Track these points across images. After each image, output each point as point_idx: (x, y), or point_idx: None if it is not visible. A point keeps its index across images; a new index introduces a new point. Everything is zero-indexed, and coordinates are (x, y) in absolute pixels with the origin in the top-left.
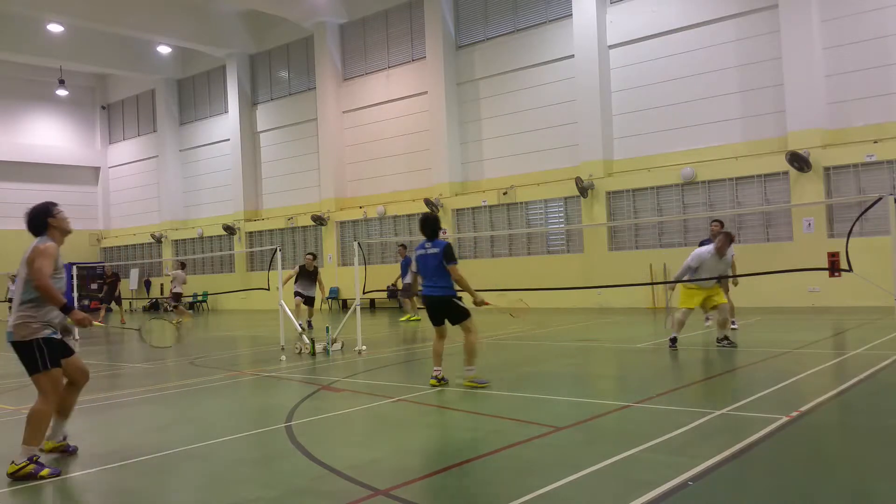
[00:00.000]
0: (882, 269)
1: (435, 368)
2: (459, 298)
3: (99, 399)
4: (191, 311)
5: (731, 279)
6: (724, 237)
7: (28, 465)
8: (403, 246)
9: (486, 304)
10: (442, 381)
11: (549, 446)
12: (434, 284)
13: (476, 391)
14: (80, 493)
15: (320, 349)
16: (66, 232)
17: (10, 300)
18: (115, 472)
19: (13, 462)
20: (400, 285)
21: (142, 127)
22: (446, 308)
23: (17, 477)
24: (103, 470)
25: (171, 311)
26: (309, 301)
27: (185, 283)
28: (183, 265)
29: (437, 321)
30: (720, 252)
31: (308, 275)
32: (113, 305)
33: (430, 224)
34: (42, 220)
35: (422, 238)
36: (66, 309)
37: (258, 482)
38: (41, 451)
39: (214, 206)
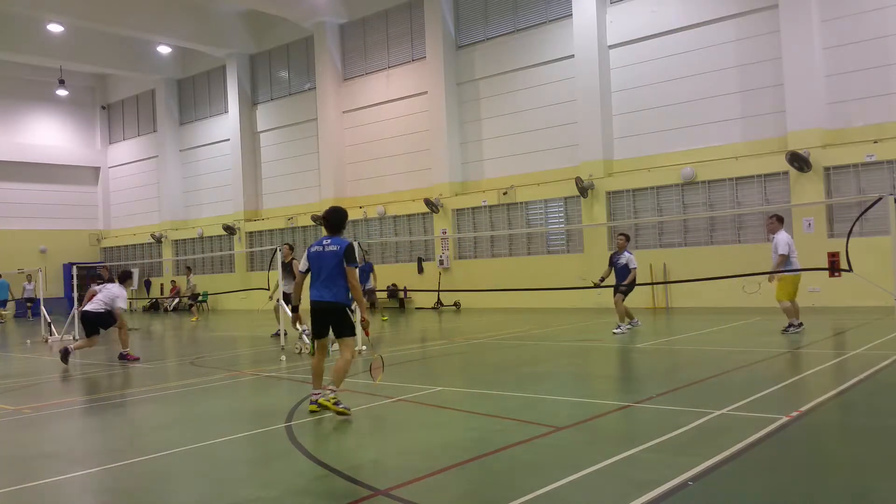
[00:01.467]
0: (882, 269)
1: (314, 392)
2: (353, 310)
3: (99, 399)
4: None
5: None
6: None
7: None
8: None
9: (366, 328)
10: (321, 407)
11: (549, 446)
12: (326, 288)
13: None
14: (80, 493)
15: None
16: None
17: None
18: (115, 472)
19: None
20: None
21: (142, 127)
22: (336, 317)
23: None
24: (103, 470)
25: (188, 310)
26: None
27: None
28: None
29: (321, 332)
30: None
31: (287, 269)
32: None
33: (335, 217)
34: None
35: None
36: None
37: (258, 482)
38: None
39: (214, 206)
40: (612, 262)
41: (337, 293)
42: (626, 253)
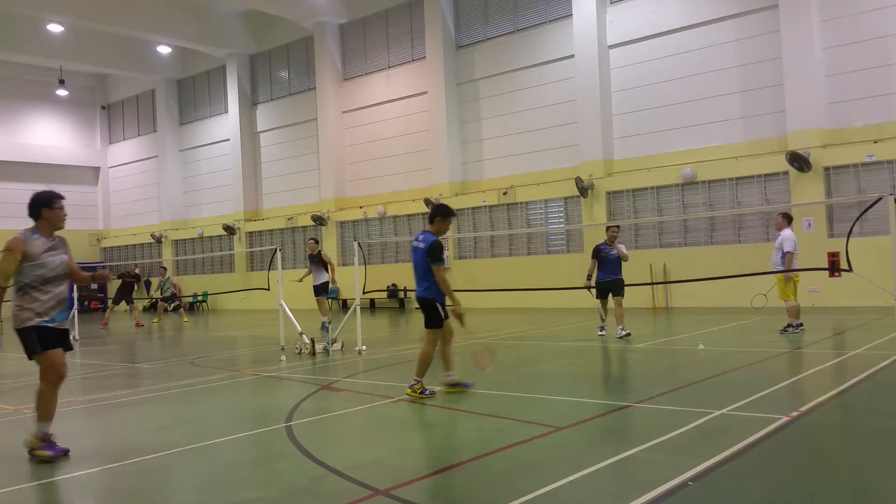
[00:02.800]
0: (882, 269)
1: (447, 373)
2: (443, 304)
3: (99, 399)
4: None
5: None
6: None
7: (42, 447)
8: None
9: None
10: (458, 386)
11: (549, 446)
12: (418, 282)
13: (467, 392)
14: (80, 493)
15: (320, 349)
16: (56, 227)
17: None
18: (115, 472)
19: (33, 435)
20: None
21: (142, 127)
22: (425, 310)
23: (32, 452)
24: (103, 470)
25: (176, 311)
26: (321, 290)
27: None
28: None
29: (427, 323)
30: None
31: (314, 260)
32: (123, 304)
33: (432, 211)
34: (37, 208)
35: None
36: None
37: (258, 482)
38: (31, 448)
39: (214, 206)
40: (601, 255)
41: (427, 288)
42: (785, 232)
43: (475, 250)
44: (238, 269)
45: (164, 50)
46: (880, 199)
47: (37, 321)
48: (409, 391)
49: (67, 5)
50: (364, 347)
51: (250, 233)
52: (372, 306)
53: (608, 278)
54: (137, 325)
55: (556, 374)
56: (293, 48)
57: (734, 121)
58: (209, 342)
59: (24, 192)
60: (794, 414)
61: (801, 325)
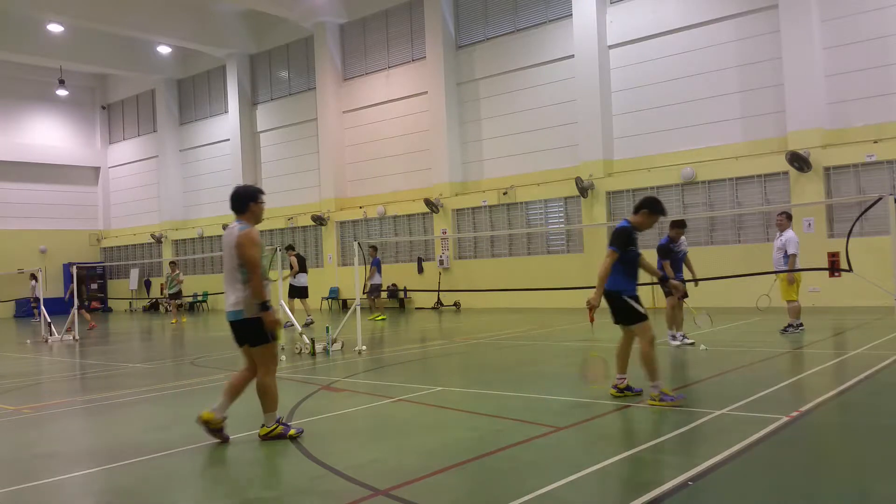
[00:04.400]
0: (882, 269)
1: (619, 376)
2: (634, 297)
3: (99, 399)
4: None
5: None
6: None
7: (277, 426)
8: (374, 248)
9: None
10: (625, 392)
11: (549, 446)
12: (609, 275)
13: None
14: (81, 493)
15: (320, 349)
16: (258, 220)
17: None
18: (115, 472)
19: (264, 425)
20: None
21: (142, 127)
22: (610, 305)
23: (270, 437)
24: (103, 470)
25: (173, 311)
26: (302, 293)
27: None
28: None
29: (615, 318)
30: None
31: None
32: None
33: (642, 202)
34: (245, 202)
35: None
36: (264, 307)
37: (258, 482)
38: (204, 421)
39: (214, 206)
40: (670, 254)
41: (612, 280)
42: (787, 233)
43: (475, 250)
44: None
45: (164, 50)
46: (880, 199)
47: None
48: (650, 400)
49: (67, 5)
50: (364, 347)
51: None
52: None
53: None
54: (91, 327)
55: (556, 374)
56: (293, 48)
57: (734, 121)
58: (209, 342)
59: (25, 192)
60: (794, 414)
61: (801, 325)
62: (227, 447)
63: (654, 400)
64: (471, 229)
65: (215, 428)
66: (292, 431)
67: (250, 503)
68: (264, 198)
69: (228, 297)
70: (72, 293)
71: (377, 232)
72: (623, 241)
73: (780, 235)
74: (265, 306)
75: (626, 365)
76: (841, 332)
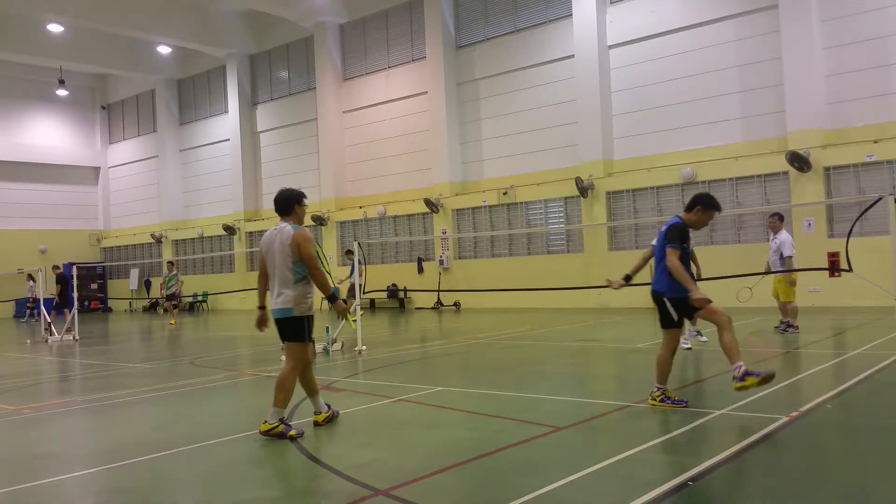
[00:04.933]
0: (882, 269)
1: (658, 386)
2: (675, 300)
3: (99, 399)
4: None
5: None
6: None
7: (279, 425)
8: (350, 252)
9: (710, 302)
10: (664, 402)
11: (549, 446)
12: (655, 273)
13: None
14: (81, 493)
15: (320, 349)
16: (301, 222)
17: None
18: (115, 472)
19: (266, 421)
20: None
21: (142, 127)
22: (657, 306)
23: (270, 434)
24: (103, 470)
25: (171, 311)
26: None
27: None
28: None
29: (664, 322)
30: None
31: None
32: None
33: (695, 199)
34: (291, 203)
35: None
36: (332, 298)
37: (258, 482)
38: (316, 424)
39: (214, 206)
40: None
41: (657, 280)
42: (782, 234)
43: (475, 250)
44: (238, 269)
45: (164, 50)
46: (880, 199)
47: (312, 311)
48: (649, 399)
49: (67, 5)
50: (364, 347)
51: (250, 233)
52: (372, 306)
53: None
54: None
55: (556, 374)
56: (293, 48)
57: (734, 121)
58: (209, 342)
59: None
60: (794, 414)
61: (797, 327)
62: (226, 447)
63: (655, 400)
64: (471, 229)
65: (328, 419)
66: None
67: (250, 503)
68: (307, 201)
69: (278, 295)
70: (60, 293)
71: (377, 232)
72: (682, 236)
73: (775, 237)
74: (333, 297)
75: (667, 374)
76: (841, 332)
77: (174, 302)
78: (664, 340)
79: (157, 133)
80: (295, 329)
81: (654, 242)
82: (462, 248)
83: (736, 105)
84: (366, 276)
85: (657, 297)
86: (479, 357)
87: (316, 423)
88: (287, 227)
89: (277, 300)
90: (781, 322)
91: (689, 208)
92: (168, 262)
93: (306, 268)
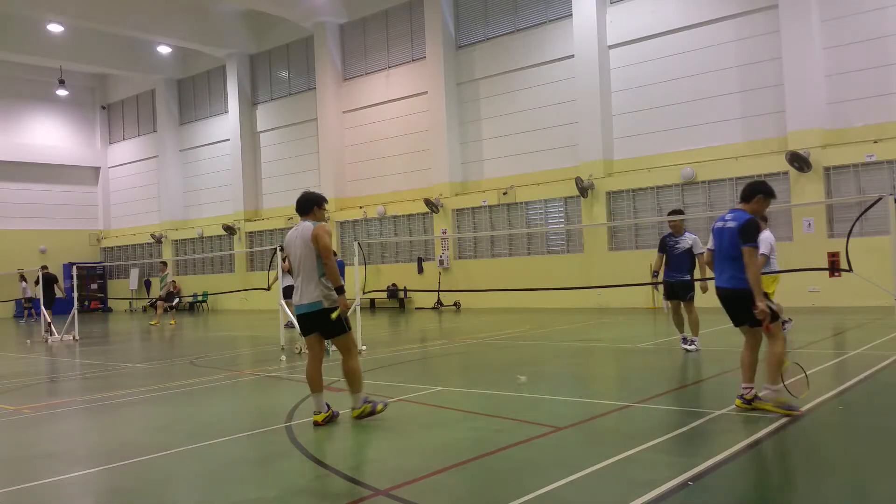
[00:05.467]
0: (882, 269)
1: (744, 385)
2: (748, 294)
3: (99, 399)
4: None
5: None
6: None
7: (366, 405)
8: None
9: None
10: (751, 403)
11: (549, 446)
12: (723, 271)
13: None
14: (81, 493)
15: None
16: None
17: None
18: (115, 472)
19: (353, 408)
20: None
21: (142, 127)
22: (737, 304)
23: (363, 416)
24: (103, 470)
25: (157, 310)
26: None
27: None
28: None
29: (736, 320)
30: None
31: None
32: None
33: (753, 188)
34: (311, 205)
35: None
36: (341, 290)
37: (258, 482)
38: (315, 424)
39: (214, 206)
40: (665, 248)
41: (732, 276)
42: (687, 234)
43: (475, 250)
44: (238, 269)
45: (164, 50)
46: (880, 199)
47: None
48: (758, 403)
49: (67, 5)
50: (364, 348)
51: (250, 233)
52: (372, 306)
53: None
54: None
55: (556, 374)
56: (293, 48)
57: (734, 121)
58: (209, 342)
59: (24, 192)
60: (795, 414)
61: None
62: (226, 447)
63: (766, 404)
64: (471, 229)
65: (328, 418)
66: (380, 406)
67: (250, 503)
68: (327, 205)
69: (306, 292)
70: (44, 293)
71: (377, 232)
72: (757, 233)
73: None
74: (340, 289)
75: (754, 373)
76: (841, 332)
77: (168, 303)
78: (749, 339)
79: (157, 133)
80: (332, 323)
81: (710, 246)
82: (462, 248)
83: (736, 105)
84: (366, 276)
85: (742, 294)
86: (479, 357)
87: (315, 423)
88: (307, 224)
89: (304, 296)
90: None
91: (749, 198)
92: (161, 263)
93: (322, 258)
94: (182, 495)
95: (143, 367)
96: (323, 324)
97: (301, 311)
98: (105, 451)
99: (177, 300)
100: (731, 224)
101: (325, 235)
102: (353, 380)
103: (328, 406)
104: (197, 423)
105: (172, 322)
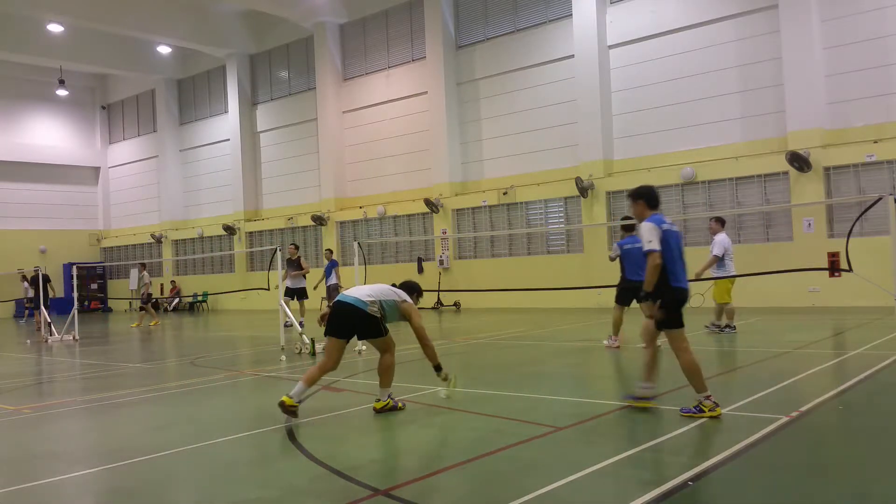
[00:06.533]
0: (882, 269)
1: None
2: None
3: (99, 399)
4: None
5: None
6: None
7: (389, 400)
8: (330, 251)
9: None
10: (648, 400)
11: (549, 446)
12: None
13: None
14: (81, 493)
15: (320, 349)
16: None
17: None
18: (115, 472)
19: (378, 399)
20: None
21: (142, 127)
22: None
23: (385, 410)
24: (103, 470)
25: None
26: (301, 294)
27: (148, 283)
28: (143, 265)
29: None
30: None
31: (293, 265)
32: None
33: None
34: (412, 292)
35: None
36: (438, 368)
37: (258, 482)
38: (281, 406)
39: (214, 206)
40: (621, 249)
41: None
42: (718, 236)
43: (475, 250)
44: (238, 269)
45: (164, 50)
46: (880, 199)
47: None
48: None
49: (67, 5)
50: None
51: (250, 233)
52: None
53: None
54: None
55: (556, 374)
56: (293, 48)
57: (734, 121)
58: (209, 342)
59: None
60: (794, 414)
61: (735, 327)
62: (226, 447)
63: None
64: (471, 229)
65: (295, 407)
66: (400, 405)
67: (250, 503)
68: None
69: (363, 294)
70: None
71: (377, 232)
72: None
73: (713, 239)
74: (438, 367)
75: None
76: (841, 332)
77: (143, 304)
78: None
79: (157, 133)
80: (374, 326)
81: (657, 247)
82: (462, 248)
83: (736, 105)
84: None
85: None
86: (479, 357)
87: (282, 403)
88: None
89: (355, 293)
90: (712, 324)
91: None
92: (139, 264)
93: (418, 339)
94: (182, 495)
95: (143, 367)
96: (362, 326)
97: (345, 300)
98: (105, 451)
99: (175, 300)
100: (676, 231)
101: (416, 316)
102: (387, 376)
103: (303, 399)
104: (197, 423)
105: (153, 323)
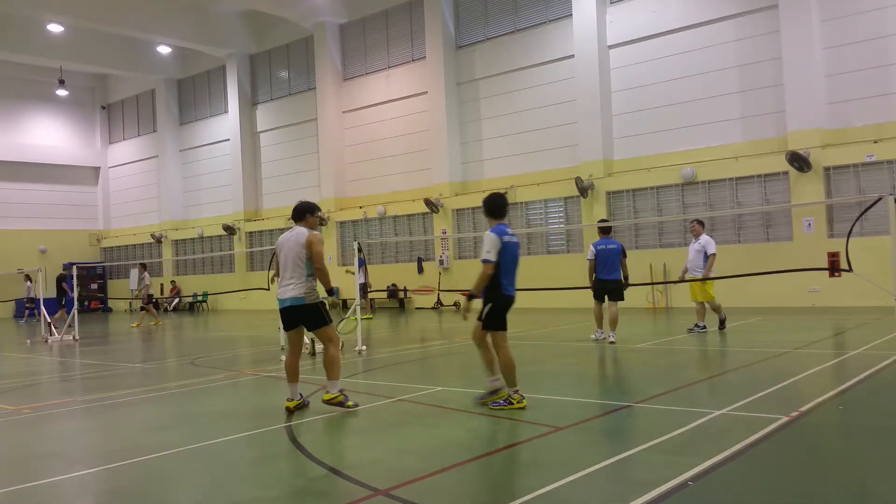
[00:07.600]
0: (882, 269)
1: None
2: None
3: (99, 399)
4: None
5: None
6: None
7: (340, 395)
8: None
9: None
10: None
11: (549, 446)
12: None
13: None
14: (81, 493)
15: (320, 349)
16: (313, 228)
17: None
18: (115, 472)
19: (327, 391)
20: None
21: (142, 127)
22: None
23: (332, 403)
24: (103, 470)
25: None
26: None
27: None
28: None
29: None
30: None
31: None
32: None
33: None
34: (304, 213)
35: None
36: (331, 292)
37: (258, 482)
38: (287, 410)
39: (214, 206)
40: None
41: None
42: (704, 237)
43: (475, 250)
44: (238, 269)
45: (164, 50)
46: (880, 199)
47: (321, 298)
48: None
49: (67, 5)
50: (364, 347)
51: (250, 233)
52: (372, 306)
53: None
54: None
55: (556, 374)
56: (293, 48)
57: (734, 121)
58: (209, 342)
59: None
60: (794, 414)
61: (706, 326)
62: (226, 447)
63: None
64: (471, 229)
65: (299, 406)
66: (350, 403)
67: (250, 503)
68: (320, 213)
69: (289, 287)
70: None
71: (377, 232)
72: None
73: (696, 241)
74: (331, 291)
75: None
76: (841, 332)
77: (144, 305)
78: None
79: (157, 133)
80: (314, 316)
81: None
82: (462, 248)
83: (736, 105)
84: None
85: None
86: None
87: (287, 409)
88: (302, 230)
89: (287, 290)
90: (696, 325)
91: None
92: (140, 265)
93: (313, 264)
94: (182, 495)
95: (143, 367)
96: (305, 318)
97: (285, 305)
98: (105, 451)
99: (175, 300)
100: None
101: (318, 244)
102: (332, 368)
103: (301, 395)
104: (197, 423)
105: (154, 323)
